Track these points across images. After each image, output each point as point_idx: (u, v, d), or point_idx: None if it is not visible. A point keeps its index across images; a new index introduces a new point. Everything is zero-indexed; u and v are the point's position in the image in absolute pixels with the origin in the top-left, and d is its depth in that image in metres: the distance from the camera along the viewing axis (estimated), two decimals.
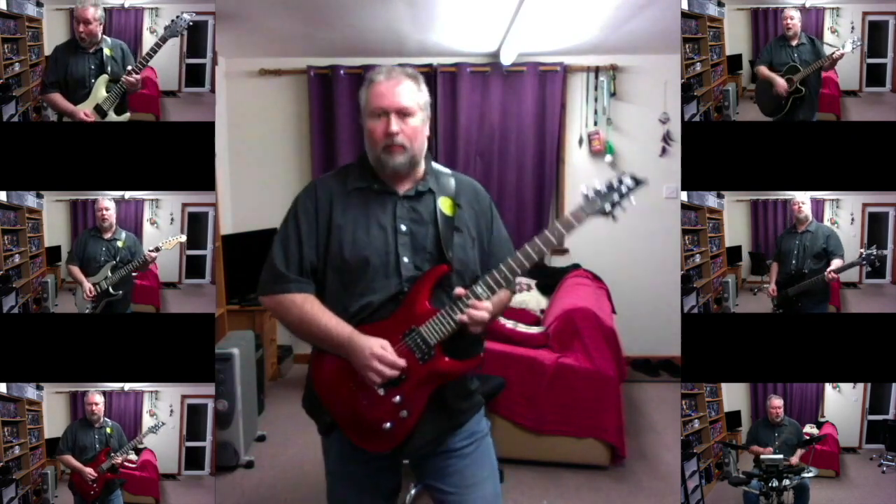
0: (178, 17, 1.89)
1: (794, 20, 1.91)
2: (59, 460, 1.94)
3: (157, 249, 1.95)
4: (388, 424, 1.54)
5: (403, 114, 1.57)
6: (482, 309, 1.53)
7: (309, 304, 1.58)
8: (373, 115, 1.58)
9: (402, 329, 1.54)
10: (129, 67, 1.90)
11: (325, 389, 1.61)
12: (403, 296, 1.56)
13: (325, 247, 1.60)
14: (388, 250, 1.57)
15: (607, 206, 1.54)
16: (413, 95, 1.59)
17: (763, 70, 1.92)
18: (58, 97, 1.91)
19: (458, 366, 1.57)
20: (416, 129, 1.59)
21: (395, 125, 1.55)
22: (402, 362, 1.52)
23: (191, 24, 1.89)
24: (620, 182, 1.54)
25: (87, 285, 1.95)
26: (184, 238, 1.96)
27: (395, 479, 1.72)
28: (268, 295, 1.62)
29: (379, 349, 1.51)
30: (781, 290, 1.86)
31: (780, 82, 1.89)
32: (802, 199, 1.85)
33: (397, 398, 1.54)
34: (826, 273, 1.79)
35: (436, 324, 1.53)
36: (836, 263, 1.78)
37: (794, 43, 1.91)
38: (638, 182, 1.54)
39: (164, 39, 1.90)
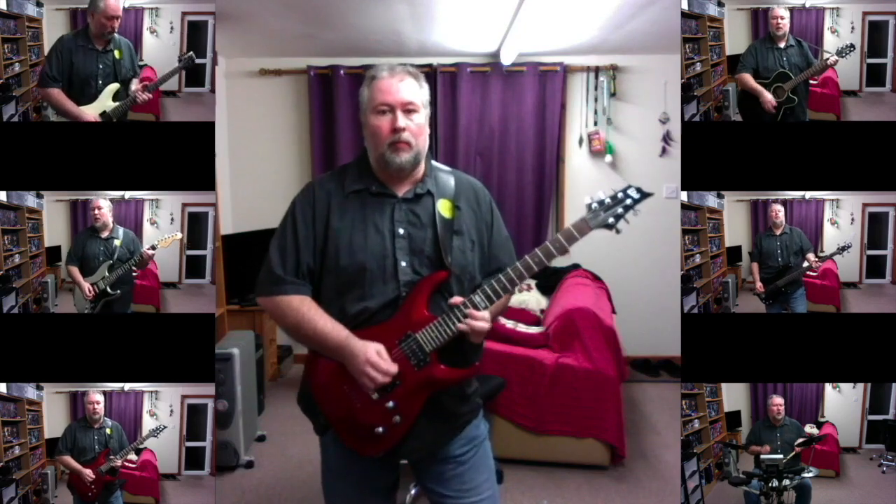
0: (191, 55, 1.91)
1: (784, 20, 1.85)
2: (58, 461, 1.94)
3: (154, 248, 1.94)
4: (380, 429, 1.53)
5: (409, 110, 1.55)
6: (481, 319, 1.51)
7: (306, 307, 1.56)
8: (377, 111, 1.54)
9: (399, 335, 1.53)
10: (138, 83, 1.89)
11: (320, 391, 1.60)
12: (401, 301, 1.54)
13: (322, 251, 1.58)
14: (385, 254, 1.55)
15: (611, 219, 1.52)
16: (417, 92, 1.57)
17: (748, 80, 1.88)
18: (59, 94, 1.87)
19: (453, 373, 1.56)
20: (420, 127, 1.57)
21: (401, 121, 1.53)
22: (394, 369, 1.50)
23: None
24: (626, 194, 1.52)
25: (86, 286, 1.94)
26: (180, 235, 1.95)
27: (393, 476, 1.72)
28: (265, 296, 1.61)
29: (374, 355, 1.49)
30: (769, 284, 1.98)
31: (768, 98, 1.86)
32: (779, 207, 1.94)
33: (390, 403, 1.53)
34: (812, 263, 1.97)
35: (432, 331, 1.52)
36: (810, 256, 1.95)
37: (781, 45, 1.87)
38: (644, 195, 1.53)
39: (183, 68, 1.90)
